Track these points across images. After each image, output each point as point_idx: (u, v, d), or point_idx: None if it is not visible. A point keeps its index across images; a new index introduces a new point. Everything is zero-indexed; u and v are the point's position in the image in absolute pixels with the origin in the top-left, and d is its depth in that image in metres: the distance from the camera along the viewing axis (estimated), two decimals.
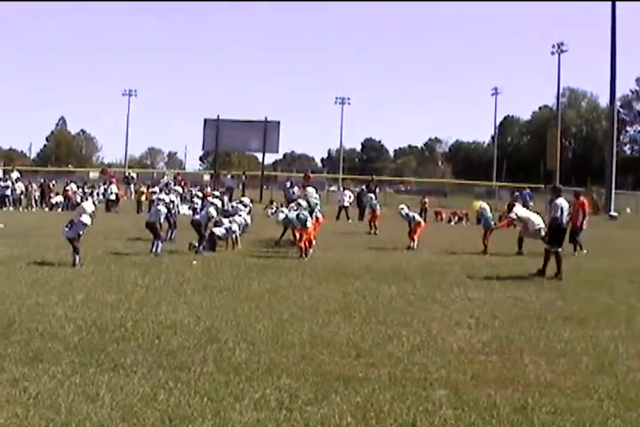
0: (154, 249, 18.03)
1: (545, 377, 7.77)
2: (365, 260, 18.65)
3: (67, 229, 15.90)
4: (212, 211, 19.73)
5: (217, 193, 30.51)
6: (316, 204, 21.09)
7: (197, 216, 20.37)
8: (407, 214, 23.05)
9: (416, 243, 22.16)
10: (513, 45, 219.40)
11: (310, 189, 22.69)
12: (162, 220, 18.73)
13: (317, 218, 20.87)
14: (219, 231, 19.76)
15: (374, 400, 6.81)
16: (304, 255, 18.55)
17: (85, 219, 15.89)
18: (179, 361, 7.92)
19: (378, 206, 29.91)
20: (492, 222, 22.71)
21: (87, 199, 39.95)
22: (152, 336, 9.05)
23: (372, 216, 29.42)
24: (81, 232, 15.92)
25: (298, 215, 19.22)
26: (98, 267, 15.48)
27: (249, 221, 22.57)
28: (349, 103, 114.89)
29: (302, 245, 18.78)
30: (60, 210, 40.07)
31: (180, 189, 31.63)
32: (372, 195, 32.60)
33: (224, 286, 13.36)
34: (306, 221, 19.02)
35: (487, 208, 23.00)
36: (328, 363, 8.04)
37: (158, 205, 19.02)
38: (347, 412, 6.47)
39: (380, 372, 7.75)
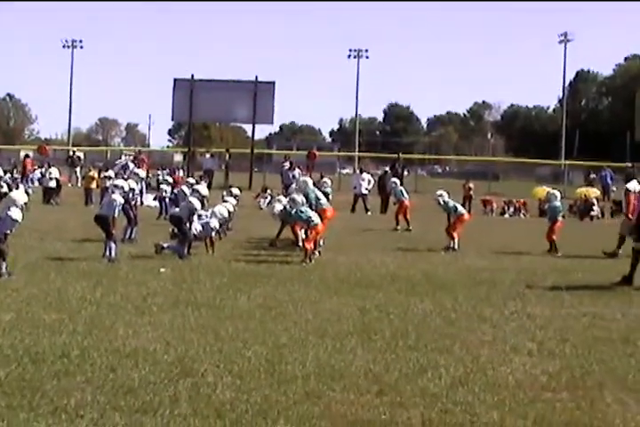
0: (107, 253, 18.03)
1: (635, 422, 7.74)
2: (390, 265, 18.66)
3: None
4: (195, 202, 19.71)
5: (191, 179, 30.57)
6: (318, 198, 21.05)
7: (177, 209, 20.36)
8: (447, 203, 23.07)
9: (457, 242, 22.16)
10: None
11: (306, 180, 22.64)
12: (117, 213, 18.72)
13: (324, 210, 20.88)
14: (194, 228, 19.77)
15: None
16: (308, 260, 18.55)
17: (14, 213, 15.87)
18: (141, 401, 7.90)
19: (405, 194, 29.86)
20: (561, 214, 22.66)
21: (17, 187, 40.11)
22: (105, 369, 9.02)
23: (400, 208, 29.40)
24: (8, 231, 15.92)
25: (296, 213, 19.22)
26: (32, 277, 15.45)
27: (231, 214, 22.40)
28: (367, 56, 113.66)
29: (308, 245, 18.79)
30: None
31: (142, 173, 31.65)
32: (397, 179, 32.58)
33: (202, 301, 13.33)
34: (309, 217, 19.03)
35: (557, 194, 23.00)
36: (341, 402, 8.02)
37: (113, 193, 19.02)
38: None
39: (410, 414, 7.73)
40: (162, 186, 31.32)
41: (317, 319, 12.10)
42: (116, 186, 19.72)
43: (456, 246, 22.09)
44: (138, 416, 7.47)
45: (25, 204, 16.32)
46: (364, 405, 7.96)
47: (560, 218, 22.54)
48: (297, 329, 11.34)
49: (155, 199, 32.68)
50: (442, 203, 23.20)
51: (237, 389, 8.37)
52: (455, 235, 22.32)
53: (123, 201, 19.12)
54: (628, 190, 21.88)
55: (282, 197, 23.91)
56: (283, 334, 10.97)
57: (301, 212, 19.22)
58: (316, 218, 19.20)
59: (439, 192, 23.67)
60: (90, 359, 9.39)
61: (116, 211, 18.60)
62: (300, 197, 20.10)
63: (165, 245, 19.13)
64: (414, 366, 9.45)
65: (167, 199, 29.57)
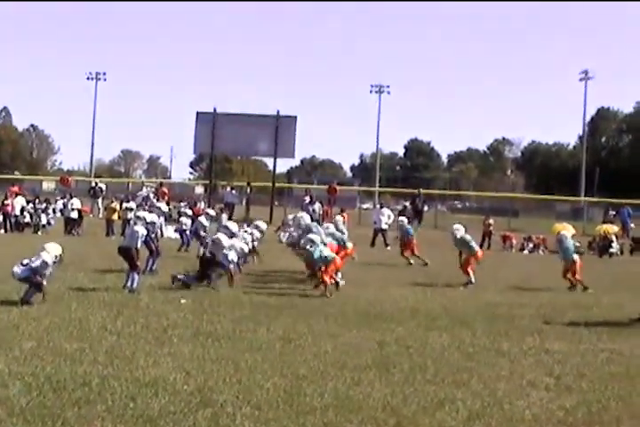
0: (129, 284, 18.13)
1: None
2: (409, 299, 18.67)
3: (18, 269, 16.08)
4: (224, 238, 19.97)
5: (211, 211, 30.68)
6: (332, 234, 21.33)
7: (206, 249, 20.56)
8: (462, 238, 23.11)
9: (472, 276, 22.14)
10: (606, 16, 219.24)
11: (306, 218, 22.83)
12: (140, 244, 18.82)
13: (344, 246, 21.02)
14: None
15: None
16: (328, 293, 18.62)
17: (47, 257, 16.16)
18: None
19: (411, 231, 29.76)
20: (574, 255, 22.41)
21: (39, 218, 40.33)
22: (125, 398, 9.10)
23: (407, 245, 29.24)
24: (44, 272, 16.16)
25: (319, 255, 19.31)
26: (54, 306, 15.59)
27: (247, 248, 22.26)
28: (389, 92, 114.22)
29: (327, 278, 18.87)
30: None
31: (164, 207, 31.83)
32: (404, 218, 32.34)
33: (222, 333, 13.41)
34: (326, 257, 19.16)
35: (568, 234, 22.93)
36: None
37: (135, 225, 19.13)
38: None
39: None
40: (182, 218, 31.39)
41: (336, 352, 12.14)
42: (138, 217, 19.82)
43: (472, 280, 22.05)
44: None
45: (59, 255, 16.55)
46: None
47: (576, 256, 22.42)
48: (316, 361, 11.39)
49: (175, 231, 32.70)
50: (458, 237, 23.07)
51: (256, 419, 8.41)
52: (470, 270, 22.34)
53: (145, 232, 19.22)
54: None
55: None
56: (302, 366, 11.02)
57: (320, 253, 19.36)
58: (330, 254, 19.43)
59: (456, 226, 23.61)
60: (110, 388, 9.46)
61: (139, 242, 18.70)
62: (317, 238, 20.21)
63: (180, 276, 19.22)
64: (432, 400, 9.48)
65: (187, 231, 29.71)
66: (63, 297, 16.83)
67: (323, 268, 19.21)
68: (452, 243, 23.49)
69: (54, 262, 16.35)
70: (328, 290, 18.76)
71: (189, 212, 33.64)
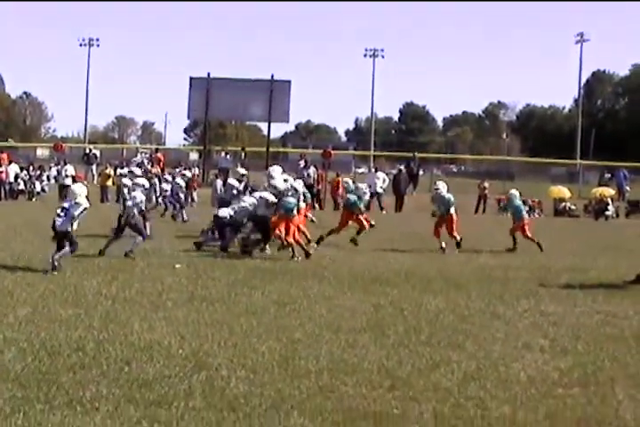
0: (131, 246, 18.07)
1: None
2: (404, 263, 18.69)
3: (59, 218, 16.12)
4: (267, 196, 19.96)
5: (188, 173, 31.36)
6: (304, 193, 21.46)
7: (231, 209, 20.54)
8: (444, 197, 22.22)
9: (458, 238, 21.92)
10: None
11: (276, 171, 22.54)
12: (137, 211, 18.78)
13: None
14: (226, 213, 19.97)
15: None
16: (297, 255, 18.74)
17: (84, 201, 16.32)
18: (156, 394, 7.97)
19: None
20: (524, 213, 22.63)
21: (33, 184, 40.26)
22: (120, 362, 9.11)
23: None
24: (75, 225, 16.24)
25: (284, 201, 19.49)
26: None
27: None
28: (383, 56, 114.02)
29: (290, 240, 18.92)
30: None
31: (154, 171, 31.81)
32: (412, 178, 32.21)
33: (217, 297, 13.43)
34: (292, 208, 19.28)
35: (517, 193, 23.47)
36: (353, 396, 8.07)
37: (134, 191, 19.16)
38: None
39: (422, 408, 7.78)
40: (162, 185, 31.15)
41: (331, 315, 12.16)
42: (136, 184, 19.91)
43: (459, 239, 21.80)
44: (152, 409, 7.52)
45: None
46: (376, 399, 8.00)
47: (525, 215, 22.58)
48: (311, 325, 11.41)
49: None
50: (440, 196, 22.27)
51: (251, 383, 8.42)
52: (456, 234, 21.91)
53: (144, 198, 19.26)
54: None
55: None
56: (297, 330, 11.03)
57: (289, 202, 19.34)
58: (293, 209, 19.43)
59: (438, 184, 23.00)
60: (105, 353, 9.46)
61: (138, 208, 18.70)
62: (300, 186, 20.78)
63: (203, 239, 19.45)
64: (427, 362, 9.50)
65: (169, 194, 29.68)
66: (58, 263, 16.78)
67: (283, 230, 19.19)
68: (432, 200, 23.12)
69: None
70: (298, 252, 18.74)
71: (169, 177, 33.35)
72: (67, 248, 16.00)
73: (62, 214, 16.11)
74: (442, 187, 22.62)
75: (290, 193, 19.86)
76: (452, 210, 22.08)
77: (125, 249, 18.03)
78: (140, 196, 18.87)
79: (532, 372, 9.21)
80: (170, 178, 32.92)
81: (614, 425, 7.50)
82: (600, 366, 9.55)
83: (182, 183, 28.03)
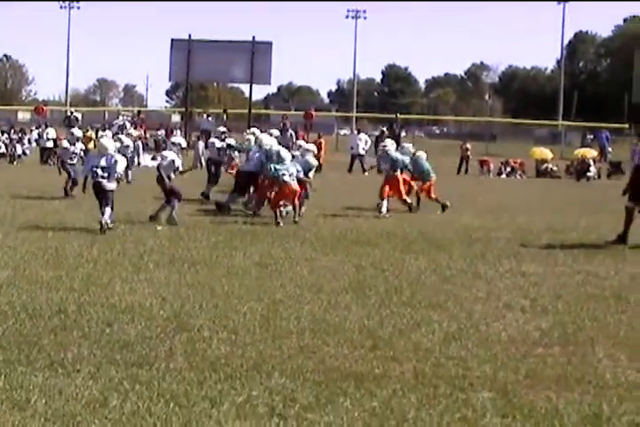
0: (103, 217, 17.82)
1: (625, 376, 7.79)
2: (386, 224, 18.72)
3: (104, 180, 16.22)
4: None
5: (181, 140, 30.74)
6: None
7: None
8: (392, 157, 21.07)
9: (385, 203, 20.85)
10: None
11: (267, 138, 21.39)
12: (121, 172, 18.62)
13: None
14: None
15: (395, 405, 6.84)
16: (279, 220, 18.15)
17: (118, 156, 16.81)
18: (137, 356, 7.97)
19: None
20: (432, 174, 22.03)
21: (14, 147, 40.08)
22: (102, 324, 9.09)
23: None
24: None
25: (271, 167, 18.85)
26: (30, 234, 15.50)
27: None
28: (365, 17, 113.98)
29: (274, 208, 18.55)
30: None
31: (135, 133, 31.54)
32: (394, 140, 31.57)
33: (198, 259, 13.42)
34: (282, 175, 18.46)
35: (424, 155, 22.39)
36: (335, 356, 8.09)
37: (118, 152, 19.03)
38: (358, 420, 6.50)
39: (403, 368, 7.80)
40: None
41: (313, 276, 12.17)
42: (173, 143, 19.75)
43: (384, 209, 20.64)
44: (134, 370, 7.52)
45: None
46: (357, 359, 8.02)
47: (434, 177, 22.06)
48: (292, 286, 11.41)
49: (152, 159, 32.50)
50: (386, 154, 21.21)
51: (232, 343, 8.42)
52: (406, 198, 21.14)
53: (125, 161, 19.08)
54: None
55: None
56: (278, 291, 11.04)
57: (276, 169, 18.53)
58: (287, 177, 18.48)
59: (385, 142, 22.11)
60: (86, 315, 9.44)
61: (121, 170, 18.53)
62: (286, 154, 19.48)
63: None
64: (408, 322, 9.51)
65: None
66: (39, 225, 16.71)
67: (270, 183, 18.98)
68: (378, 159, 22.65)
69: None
70: (279, 217, 18.21)
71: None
72: (108, 209, 16.07)
73: (105, 175, 16.13)
74: (390, 144, 21.70)
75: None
76: (399, 172, 21.00)
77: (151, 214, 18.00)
78: (171, 155, 18.51)
79: (513, 331, 9.24)
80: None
81: (593, 384, 7.51)
82: (580, 326, 9.58)
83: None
